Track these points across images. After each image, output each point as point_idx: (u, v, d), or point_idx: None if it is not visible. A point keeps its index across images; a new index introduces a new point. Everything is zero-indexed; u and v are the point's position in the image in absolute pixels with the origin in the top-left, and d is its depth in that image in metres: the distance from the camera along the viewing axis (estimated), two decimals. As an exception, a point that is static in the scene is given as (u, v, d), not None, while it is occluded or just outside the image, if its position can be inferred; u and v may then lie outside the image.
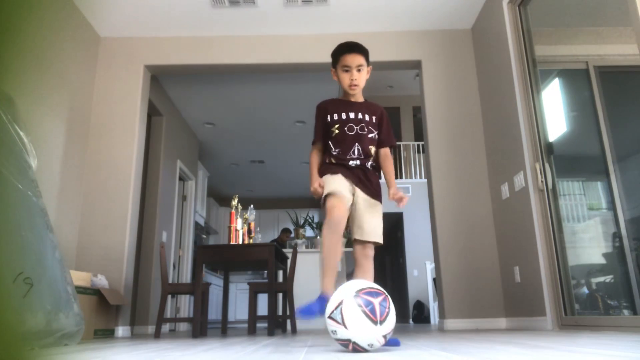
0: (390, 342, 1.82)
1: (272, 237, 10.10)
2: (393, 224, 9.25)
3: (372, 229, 2.18)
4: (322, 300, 1.95)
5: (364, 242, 2.18)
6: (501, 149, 3.94)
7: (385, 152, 2.37)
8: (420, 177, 8.59)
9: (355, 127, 2.24)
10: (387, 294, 1.59)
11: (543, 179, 3.31)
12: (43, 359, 1.65)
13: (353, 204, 2.19)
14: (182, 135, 6.48)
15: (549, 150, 3.35)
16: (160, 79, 5.45)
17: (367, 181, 2.22)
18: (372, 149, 2.27)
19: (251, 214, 4.55)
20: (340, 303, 1.54)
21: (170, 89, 5.73)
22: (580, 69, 3.38)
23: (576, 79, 3.55)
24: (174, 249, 6.07)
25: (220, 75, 5.43)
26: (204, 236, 9.11)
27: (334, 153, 2.24)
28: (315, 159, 2.33)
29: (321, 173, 2.26)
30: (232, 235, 4.16)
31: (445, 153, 4.32)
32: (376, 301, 1.53)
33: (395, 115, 9.23)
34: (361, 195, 2.20)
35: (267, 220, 10.69)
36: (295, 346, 2.11)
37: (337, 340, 1.56)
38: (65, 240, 3.86)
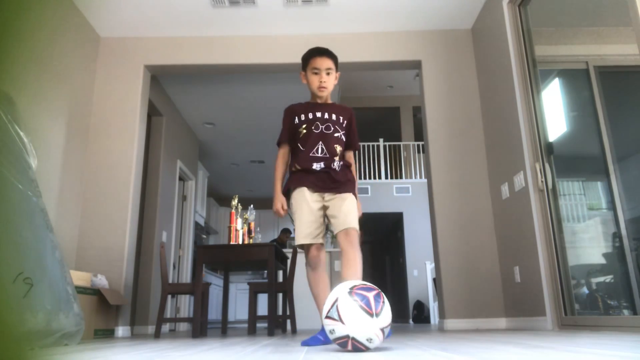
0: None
1: (272, 237, 10.10)
2: (393, 224, 9.25)
3: (345, 216, 2.21)
4: (324, 331, 2.01)
5: (343, 230, 2.20)
6: (501, 149, 3.94)
7: (350, 156, 2.44)
8: (420, 177, 8.59)
9: (320, 126, 2.30)
10: (379, 290, 1.63)
11: (543, 179, 3.31)
12: (43, 359, 1.65)
13: (325, 207, 2.26)
14: (182, 135, 6.48)
15: (549, 150, 3.35)
16: (160, 79, 5.45)
17: (333, 182, 2.26)
18: (338, 149, 2.31)
19: (251, 214, 4.55)
20: (336, 301, 1.56)
21: (170, 89, 5.73)
22: (580, 69, 3.38)
23: (576, 79, 3.55)
24: (174, 249, 6.07)
25: (220, 75, 5.43)
26: (204, 236, 9.11)
27: (300, 155, 2.30)
28: (280, 169, 2.40)
29: (287, 184, 2.35)
30: (232, 235, 4.16)
31: (445, 153, 4.32)
32: (370, 295, 1.56)
33: (395, 115, 9.24)
34: (330, 196, 2.26)
35: (267, 220, 10.69)
36: (295, 346, 2.11)
37: (336, 340, 1.57)
38: (65, 240, 3.86)
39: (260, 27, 4.50)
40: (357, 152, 2.54)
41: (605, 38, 3.32)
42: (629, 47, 2.55)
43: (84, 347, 2.34)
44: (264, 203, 10.60)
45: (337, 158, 2.30)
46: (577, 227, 3.40)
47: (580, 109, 3.55)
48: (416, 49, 4.58)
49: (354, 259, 2.16)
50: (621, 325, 2.60)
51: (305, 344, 2.05)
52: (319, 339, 2.03)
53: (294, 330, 4.27)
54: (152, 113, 5.49)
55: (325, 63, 2.34)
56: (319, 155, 2.27)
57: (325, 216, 2.29)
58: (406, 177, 8.76)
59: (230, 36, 4.61)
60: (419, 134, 8.85)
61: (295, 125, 2.35)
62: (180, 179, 6.42)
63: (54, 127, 3.81)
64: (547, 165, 3.32)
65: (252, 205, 4.88)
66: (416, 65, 4.62)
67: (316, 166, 2.27)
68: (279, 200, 2.34)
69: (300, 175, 2.29)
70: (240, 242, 4.21)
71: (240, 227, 4.25)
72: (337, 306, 1.55)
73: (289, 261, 4.93)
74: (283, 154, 2.42)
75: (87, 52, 4.36)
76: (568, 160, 3.45)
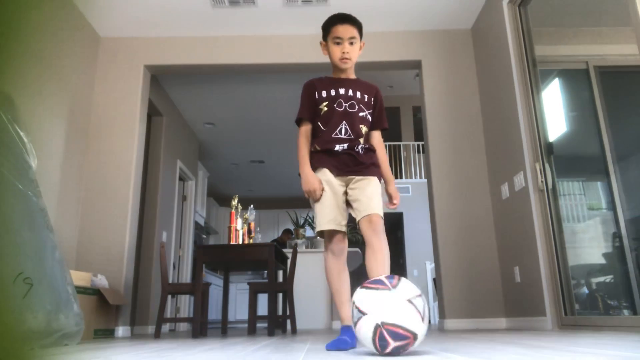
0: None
1: (272, 237, 10.10)
2: (393, 224, 9.25)
3: (369, 200, 1.99)
4: (347, 331, 1.88)
5: (366, 217, 1.97)
6: (501, 149, 3.94)
7: (378, 136, 2.21)
8: (420, 177, 8.58)
9: (344, 104, 2.09)
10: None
11: (543, 179, 3.31)
12: (43, 359, 1.65)
13: (347, 192, 2.06)
14: (182, 135, 6.48)
15: (549, 150, 3.35)
16: (160, 79, 5.45)
17: (357, 164, 2.05)
18: (364, 129, 2.10)
19: (251, 214, 4.55)
20: (420, 295, 1.40)
21: (170, 89, 5.73)
22: (580, 69, 3.38)
23: (576, 79, 3.55)
24: (174, 249, 6.07)
25: (220, 75, 5.43)
26: (204, 236, 9.11)
27: (321, 135, 2.08)
28: (304, 149, 2.10)
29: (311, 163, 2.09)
30: (232, 235, 4.16)
31: (445, 153, 4.32)
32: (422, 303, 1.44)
33: (395, 115, 9.23)
34: (353, 179, 2.05)
35: (267, 220, 10.69)
36: (295, 346, 2.11)
37: (403, 329, 1.33)
38: (65, 240, 3.86)
39: (260, 27, 4.50)
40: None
41: (605, 38, 3.32)
42: (629, 47, 2.55)
43: (84, 347, 2.34)
44: (264, 203, 10.62)
45: (361, 140, 2.09)
46: (577, 227, 3.40)
47: (580, 109, 3.55)
48: (416, 49, 4.58)
49: (380, 250, 1.93)
50: (621, 325, 2.60)
51: (332, 347, 1.81)
52: (347, 342, 1.80)
53: (294, 330, 4.27)
54: (152, 113, 5.49)
55: (348, 31, 2.08)
56: (343, 136, 2.05)
57: (346, 202, 2.07)
58: (406, 177, 8.75)
59: (230, 36, 4.61)
60: (419, 134, 8.85)
61: (315, 102, 2.11)
62: (180, 179, 6.42)
63: (54, 127, 3.81)
64: (547, 165, 3.32)
65: (252, 205, 4.88)
66: (416, 65, 4.62)
67: (339, 147, 2.04)
68: (314, 179, 2.03)
69: (320, 157, 2.07)
70: (240, 242, 4.21)
71: (240, 227, 4.25)
72: (423, 298, 1.41)
73: (289, 261, 4.93)
74: (305, 132, 2.13)
75: (87, 52, 4.36)
76: (568, 160, 3.45)
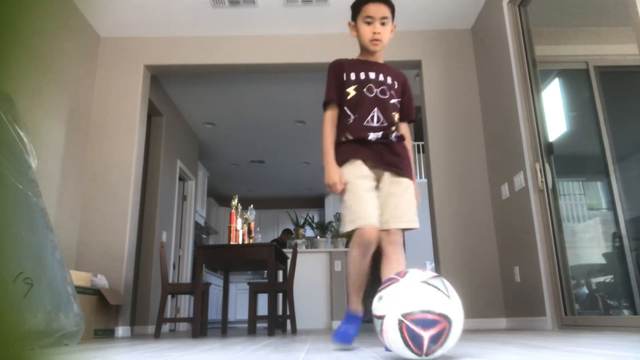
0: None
1: (272, 237, 10.09)
2: (393, 224, 9.23)
3: (400, 213, 1.83)
4: (352, 317, 1.82)
5: (392, 230, 1.83)
6: (501, 149, 3.94)
7: (406, 128, 2.04)
8: (420, 177, 8.58)
9: (375, 89, 1.92)
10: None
11: (543, 179, 3.31)
12: (43, 359, 1.65)
13: (378, 189, 1.87)
14: (182, 135, 6.48)
15: (549, 150, 3.35)
16: (160, 79, 5.45)
17: (393, 156, 1.88)
18: (396, 117, 1.95)
19: (251, 214, 4.55)
20: (438, 277, 1.25)
21: (170, 89, 5.73)
22: (580, 69, 3.38)
23: (576, 79, 3.55)
24: (174, 249, 6.07)
25: (220, 75, 5.43)
26: (204, 236, 9.11)
27: (350, 122, 1.90)
28: (329, 136, 1.92)
29: (337, 158, 1.90)
30: (232, 235, 4.16)
31: (445, 153, 4.32)
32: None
33: (395, 115, 9.21)
34: (387, 177, 1.87)
35: (267, 220, 10.68)
36: (295, 346, 2.11)
37: (430, 313, 1.16)
38: (65, 240, 3.86)
39: (260, 27, 4.50)
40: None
41: (605, 38, 3.32)
42: (629, 47, 2.55)
43: (84, 347, 2.34)
44: (264, 203, 10.61)
45: (394, 128, 1.93)
46: (577, 227, 3.40)
47: (580, 109, 3.55)
48: (416, 49, 4.58)
49: (397, 261, 1.81)
50: (621, 325, 2.60)
51: (338, 338, 1.76)
52: (350, 334, 1.76)
53: (294, 330, 4.27)
54: (152, 113, 5.49)
55: (380, 10, 1.93)
56: (375, 124, 1.88)
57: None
58: (406, 177, 8.76)
59: (230, 36, 4.61)
60: (419, 134, 8.85)
61: (342, 84, 1.94)
62: (180, 179, 6.42)
63: (54, 127, 3.81)
64: (547, 165, 3.32)
65: (252, 205, 4.88)
66: (416, 65, 4.62)
67: (372, 136, 1.87)
68: (335, 172, 1.84)
69: (353, 147, 1.88)
70: (240, 242, 4.21)
71: (240, 227, 4.25)
72: (444, 281, 1.27)
73: (289, 261, 4.93)
74: (332, 117, 1.95)
75: (87, 52, 4.36)
76: (568, 160, 3.45)
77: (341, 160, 1.88)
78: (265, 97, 6.01)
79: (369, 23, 1.94)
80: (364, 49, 2.01)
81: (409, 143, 2.01)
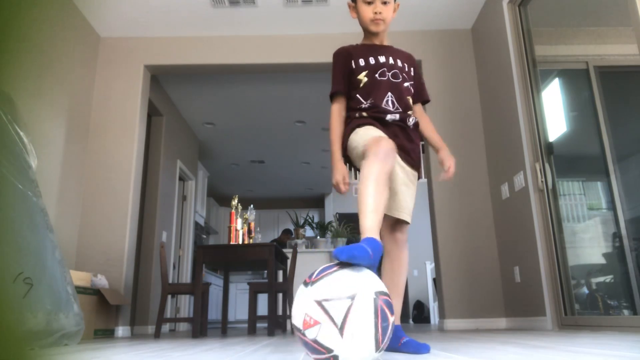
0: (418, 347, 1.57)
1: (272, 237, 10.10)
2: (393, 224, 9.24)
3: (406, 204, 1.74)
4: (371, 241, 1.26)
5: (392, 222, 1.74)
6: (501, 149, 3.94)
7: (420, 109, 1.96)
8: (420, 177, 8.59)
9: (387, 73, 1.83)
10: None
11: (543, 179, 3.31)
12: (43, 359, 1.65)
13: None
14: (182, 135, 6.48)
15: (549, 150, 3.35)
16: (160, 79, 5.45)
17: (409, 143, 1.79)
18: (411, 101, 1.87)
19: (251, 214, 4.55)
20: (353, 297, 1.04)
21: (170, 89, 5.73)
22: (580, 69, 3.38)
23: (576, 79, 3.55)
24: (174, 249, 6.07)
25: (220, 75, 5.43)
26: (204, 236, 9.10)
27: (365, 106, 1.78)
28: (337, 130, 1.79)
29: (351, 125, 1.78)
30: (232, 235, 4.16)
31: (445, 153, 4.31)
32: (392, 320, 1.09)
33: (395, 115, 9.23)
34: (399, 164, 1.75)
35: (267, 220, 10.68)
36: (295, 346, 2.11)
37: (312, 342, 1.05)
38: (65, 240, 3.86)
39: (260, 27, 4.50)
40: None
41: (605, 38, 3.32)
42: (629, 47, 2.55)
43: (84, 347, 2.34)
44: (264, 203, 10.62)
45: (410, 112, 1.85)
46: (577, 227, 3.40)
47: (580, 109, 3.55)
48: (416, 49, 4.56)
49: (399, 260, 1.75)
50: (621, 325, 2.60)
51: (340, 254, 1.17)
52: (364, 249, 1.19)
53: (294, 331, 4.27)
54: (152, 113, 5.49)
55: None
56: (391, 108, 1.79)
57: None
58: (406, 177, 8.76)
59: (230, 36, 4.61)
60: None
61: (352, 71, 1.84)
62: (180, 179, 6.42)
63: (54, 127, 3.81)
64: (547, 165, 3.32)
65: (252, 205, 4.88)
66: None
67: (390, 117, 1.76)
68: (340, 171, 1.72)
69: (368, 120, 1.75)
70: (240, 242, 4.21)
71: (240, 227, 4.25)
72: (349, 306, 1.04)
73: (289, 261, 4.93)
74: (339, 109, 1.83)
75: (87, 52, 4.36)
76: (568, 160, 3.45)
77: (355, 125, 1.74)
78: (265, 97, 6.01)
79: (369, 3, 1.83)
80: (366, 32, 1.92)
81: (429, 122, 1.92)
